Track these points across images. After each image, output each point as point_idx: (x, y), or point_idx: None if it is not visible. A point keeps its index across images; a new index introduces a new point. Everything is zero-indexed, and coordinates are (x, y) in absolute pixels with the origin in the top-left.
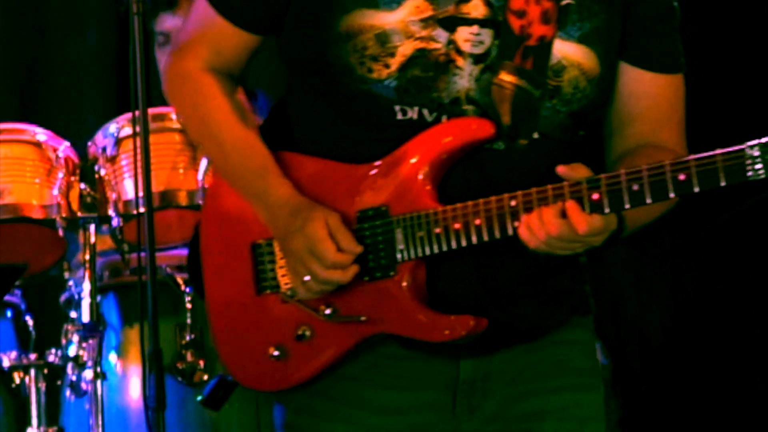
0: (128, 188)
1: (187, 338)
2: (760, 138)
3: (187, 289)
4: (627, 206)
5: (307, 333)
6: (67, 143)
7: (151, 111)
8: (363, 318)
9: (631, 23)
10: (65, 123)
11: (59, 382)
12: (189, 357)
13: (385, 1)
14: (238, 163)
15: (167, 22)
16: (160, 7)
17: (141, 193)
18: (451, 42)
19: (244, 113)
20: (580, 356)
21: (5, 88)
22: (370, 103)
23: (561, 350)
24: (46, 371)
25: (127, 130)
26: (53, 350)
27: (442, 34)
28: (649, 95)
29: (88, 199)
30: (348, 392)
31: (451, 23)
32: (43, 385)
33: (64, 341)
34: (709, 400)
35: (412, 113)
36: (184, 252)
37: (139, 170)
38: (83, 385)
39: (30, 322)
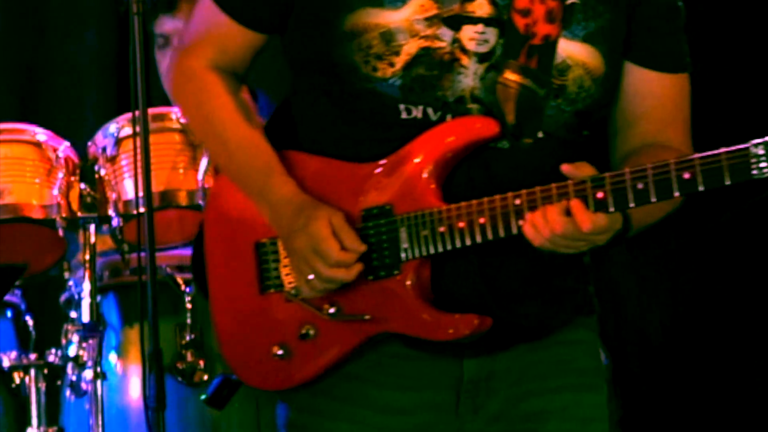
0: (128, 188)
1: (187, 338)
2: (764, 137)
3: (187, 289)
4: (632, 205)
5: (311, 332)
6: (67, 143)
7: (151, 111)
8: (367, 317)
9: (636, 23)
10: (65, 123)
11: (59, 382)
12: (189, 357)
13: None
14: (242, 162)
15: (167, 24)
16: (160, 9)
17: (141, 193)
18: (455, 41)
19: (248, 112)
20: (584, 356)
21: (5, 88)
22: (375, 101)
23: (564, 350)
24: (46, 371)
25: (127, 130)
26: (53, 350)
27: (446, 33)
28: (655, 95)
29: (88, 199)
30: (352, 391)
31: (456, 22)
32: (43, 385)
33: (64, 341)
34: (709, 400)
35: (417, 112)
36: (184, 252)
37: (139, 170)
38: (83, 385)
39: (30, 322)
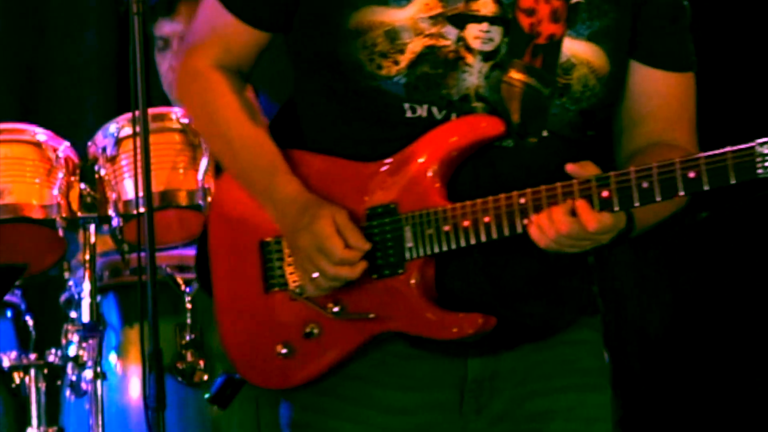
0: (128, 188)
1: (187, 338)
2: None
3: (187, 289)
4: (636, 204)
5: (315, 331)
6: (67, 143)
7: (151, 111)
8: (371, 315)
9: (641, 22)
10: (65, 123)
11: (59, 382)
12: (189, 357)
13: None
14: (247, 161)
15: (166, 27)
16: (159, 12)
17: (141, 193)
18: (460, 39)
19: (253, 111)
20: (588, 356)
21: (5, 88)
22: (379, 100)
23: (569, 350)
24: (46, 371)
25: (127, 130)
26: (53, 350)
27: (451, 31)
28: (660, 94)
29: (88, 199)
30: (355, 391)
31: (460, 20)
32: (43, 385)
33: (64, 341)
34: (710, 400)
35: (422, 111)
36: (184, 252)
37: (139, 170)
38: (83, 385)
39: (30, 322)
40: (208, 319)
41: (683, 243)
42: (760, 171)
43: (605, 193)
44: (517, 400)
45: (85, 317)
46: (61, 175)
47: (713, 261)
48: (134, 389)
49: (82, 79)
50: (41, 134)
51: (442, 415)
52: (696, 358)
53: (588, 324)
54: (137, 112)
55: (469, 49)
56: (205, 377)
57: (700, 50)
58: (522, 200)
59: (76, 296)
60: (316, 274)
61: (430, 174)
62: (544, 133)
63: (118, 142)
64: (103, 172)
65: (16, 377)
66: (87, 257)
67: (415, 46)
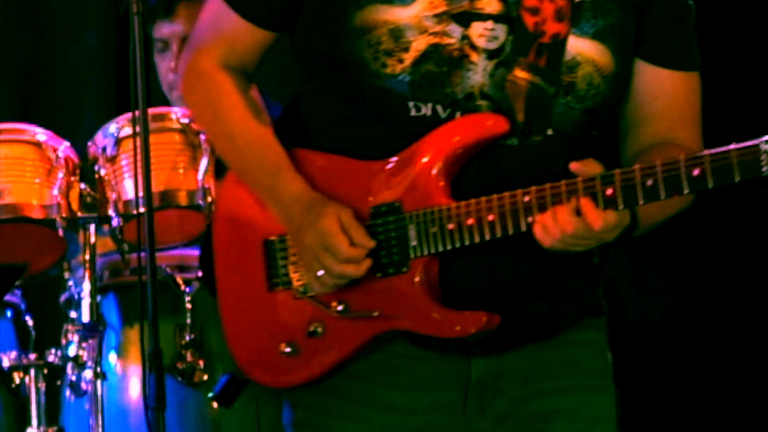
0: (128, 188)
1: (187, 338)
2: None
3: (187, 289)
4: (641, 202)
5: (319, 330)
6: (67, 143)
7: (151, 111)
8: (375, 314)
9: (646, 21)
10: (65, 123)
11: (59, 382)
12: (189, 357)
13: None
14: (252, 160)
15: (165, 28)
16: (158, 14)
17: (141, 193)
18: (465, 37)
19: (258, 110)
20: (592, 357)
21: (5, 88)
22: (384, 99)
23: (572, 351)
24: (46, 371)
25: (127, 130)
26: (53, 350)
27: (456, 30)
28: (666, 93)
29: (88, 199)
30: (359, 391)
31: (465, 18)
32: (43, 385)
33: (64, 341)
34: (710, 400)
35: (426, 109)
36: (184, 252)
37: (139, 170)
38: (83, 385)
39: (30, 322)
40: (208, 319)
41: (682, 243)
42: (765, 169)
43: (609, 191)
44: (521, 400)
45: (85, 317)
46: (61, 175)
47: (713, 261)
48: (134, 389)
49: (82, 79)
50: (41, 134)
51: (445, 416)
52: (696, 357)
53: (592, 325)
54: (137, 112)
55: (474, 48)
56: (205, 377)
57: (704, 50)
58: (526, 198)
59: (76, 296)
60: (321, 272)
61: (434, 172)
62: (549, 132)
63: (118, 142)
64: (103, 172)
65: (16, 377)
66: (87, 257)
67: (419, 44)
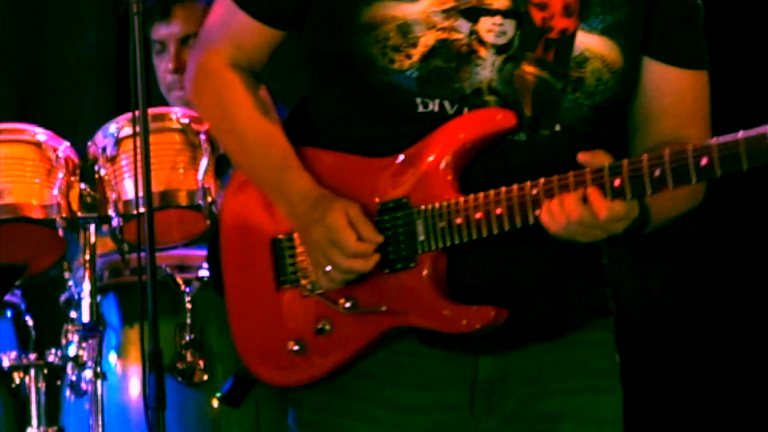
0: (128, 188)
1: (187, 338)
2: None
3: (187, 289)
4: (649, 192)
5: (327, 327)
6: (67, 143)
7: (151, 111)
8: (383, 308)
9: (654, 19)
10: (65, 123)
11: (59, 382)
12: (189, 357)
13: None
14: (259, 158)
15: (161, 30)
16: (155, 16)
17: (141, 193)
18: (473, 32)
19: (266, 108)
20: (600, 358)
21: (5, 88)
22: (391, 95)
23: (580, 351)
24: (46, 371)
25: (127, 130)
26: (53, 350)
27: (464, 25)
28: (675, 90)
29: (88, 199)
30: (366, 390)
31: (473, 14)
32: (43, 385)
33: (64, 341)
34: (710, 400)
35: (434, 105)
36: (184, 252)
37: (139, 170)
38: (83, 385)
39: (30, 322)
40: (208, 319)
41: (683, 241)
42: None
43: (617, 182)
44: (529, 400)
45: (85, 317)
46: (61, 175)
47: (713, 261)
48: (134, 389)
49: (82, 79)
50: (41, 134)
51: (453, 415)
52: (696, 357)
53: (600, 325)
54: (137, 112)
55: (482, 43)
56: (205, 377)
57: (714, 51)
58: (534, 191)
59: (76, 296)
60: (329, 268)
61: (442, 167)
62: (557, 128)
63: (118, 142)
64: (103, 172)
65: (16, 377)
66: (87, 257)
67: (427, 39)
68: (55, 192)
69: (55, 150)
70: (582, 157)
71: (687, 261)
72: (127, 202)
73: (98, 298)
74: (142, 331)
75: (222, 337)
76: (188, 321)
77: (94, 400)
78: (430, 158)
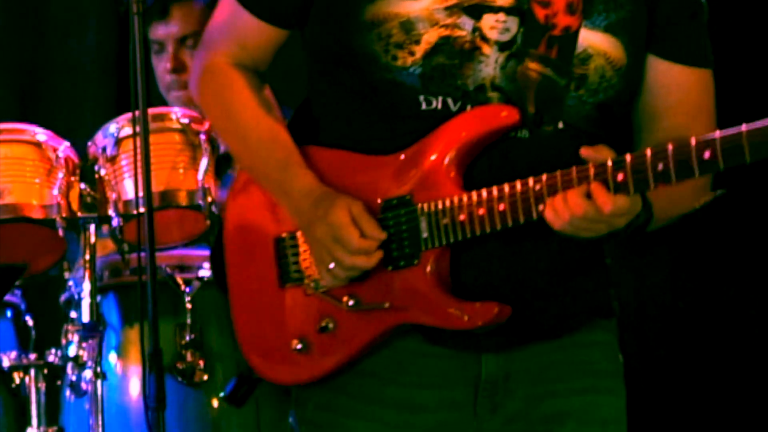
0: (128, 188)
1: (187, 338)
2: None
3: (187, 289)
4: (652, 186)
5: (330, 325)
6: (67, 143)
7: (151, 111)
8: (386, 305)
9: (658, 16)
10: (65, 123)
11: (59, 382)
12: (189, 357)
13: None
14: (263, 156)
15: (160, 30)
16: (153, 16)
17: (141, 193)
18: (476, 29)
19: (270, 107)
20: (603, 359)
21: (5, 88)
22: (394, 93)
23: (584, 352)
24: (46, 371)
25: (127, 130)
26: (53, 350)
27: (467, 22)
28: (680, 88)
29: (88, 199)
30: (370, 389)
31: (476, 11)
32: (43, 385)
33: (64, 341)
34: (710, 400)
35: (437, 103)
36: (184, 252)
37: (139, 170)
38: (83, 385)
39: (30, 322)
40: (208, 319)
41: (682, 240)
42: None
43: (620, 176)
44: (532, 400)
45: (85, 317)
46: (61, 175)
47: (712, 261)
48: (134, 389)
49: (82, 79)
50: (41, 134)
51: (456, 414)
52: (696, 357)
53: (603, 326)
54: (137, 112)
55: (485, 39)
56: (205, 377)
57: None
58: (537, 186)
59: (76, 296)
60: (332, 265)
61: (446, 163)
62: (560, 125)
63: (118, 142)
64: (103, 172)
65: (16, 377)
66: (87, 257)
67: (430, 36)
68: (55, 192)
69: (55, 150)
70: (585, 152)
71: (686, 261)
72: (127, 202)
73: (98, 298)
74: (142, 331)
75: (222, 337)
76: (188, 321)
77: (94, 400)
78: (434, 155)
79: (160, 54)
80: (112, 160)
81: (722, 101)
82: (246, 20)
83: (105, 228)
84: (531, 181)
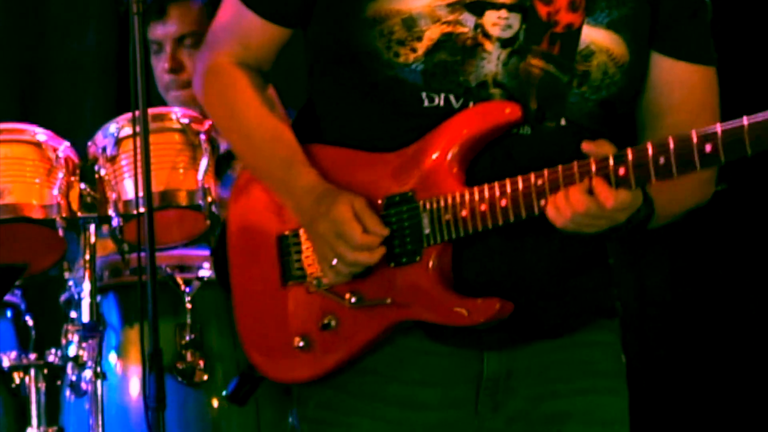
0: (128, 188)
1: (187, 338)
2: None
3: (187, 289)
4: (653, 179)
5: (333, 322)
6: (67, 143)
7: (151, 111)
8: (388, 300)
9: (661, 13)
10: (65, 123)
11: (59, 382)
12: (189, 357)
13: None
14: (266, 154)
15: (158, 30)
16: (150, 16)
17: (141, 193)
18: (478, 26)
19: (273, 106)
20: (606, 359)
21: (5, 88)
22: (397, 90)
23: (586, 352)
24: (46, 371)
25: (127, 130)
26: (53, 350)
27: (469, 19)
28: (683, 85)
29: (88, 199)
30: (372, 386)
31: (478, 8)
32: (43, 385)
33: (64, 341)
34: (710, 400)
35: (439, 100)
36: (184, 252)
37: (139, 170)
38: (83, 385)
39: (30, 322)
40: (208, 319)
41: (682, 238)
42: None
43: (622, 170)
44: (534, 400)
45: (85, 317)
46: (61, 175)
47: (712, 261)
48: (134, 389)
49: (82, 79)
50: (41, 134)
51: (458, 412)
52: (696, 357)
53: (606, 326)
54: (137, 112)
55: (488, 36)
56: (205, 377)
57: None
58: (539, 182)
59: (76, 296)
60: (335, 261)
61: (448, 159)
62: (563, 122)
63: (118, 142)
64: (103, 172)
65: (16, 377)
66: (87, 257)
67: (432, 33)
68: (55, 192)
69: (55, 150)
70: (586, 146)
71: (686, 260)
72: (127, 202)
73: (98, 298)
74: (142, 331)
75: (222, 337)
76: (188, 321)
77: (94, 400)
78: (436, 152)
79: (158, 54)
80: (112, 160)
81: (727, 99)
82: (249, 20)
83: (105, 228)
84: (533, 176)
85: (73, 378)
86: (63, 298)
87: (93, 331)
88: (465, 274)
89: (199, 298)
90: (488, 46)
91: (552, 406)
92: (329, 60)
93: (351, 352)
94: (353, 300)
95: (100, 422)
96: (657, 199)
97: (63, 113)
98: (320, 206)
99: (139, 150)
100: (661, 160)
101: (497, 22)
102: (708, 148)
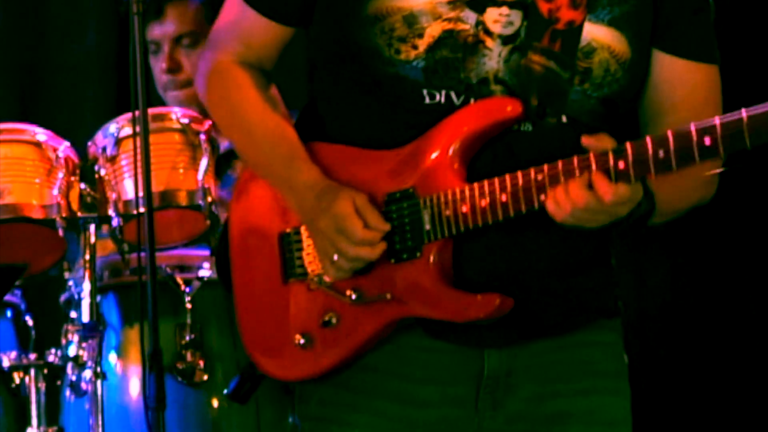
0: (128, 188)
1: (187, 338)
2: None
3: (187, 289)
4: (653, 173)
5: (333, 319)
6: (67, 143)
7: (151, 111)
8: (388, 296)
9: (663, 11)
10: (65, 123)
11: (59, 382)
12: (189, 357)
13: None
14: (267, 151)
15: (156, 30)
16: (148, 17)
17: (141, 193)
18: (479, 23)
19: (275, 104)
20: (607, 359)
21: (5, 88)
22: (398, 87)
23: (587, 351)
24: (46, 371)
25: (127, 130)
26: (53, 350)
27: (470, 16)
28: (686, 83)
29: (88, 199)
30: (373, 384)
31: (479, 5)
32: (43, 385)
33: (64, 341)
34: (710, 400)
35: (440, 97)
36: (184, 252)
37: (139, 170)
38: (83, 385)
39: (30, 322)
40: (208, 319)
41: (681, 238)
42: None
43: (622, 164)
44: (535, 400)
45: (85, 317)
46: (61, 175)
47: (714, 261)
48: (134, 389)
49: (82, 79)
50: (41, 134)
51: (458, 410)
52: (696, 357)
53: (608, 326)
54: (137, 112)
55: (489, 33)
56: (205, 377)
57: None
58: (539, 176)
59: (76, 296)
60: (336, 257)
61: (449, 156)
62: (564, 119)
63: (118, 142)
64: (103, 172)
65: (16, 377)
66: (87, 257)
67: (433, 30)
68: (55, 192)
69: (55, 150)
70: (586, 140)
71: (686, 260)
72: (127, 202)
73: (98, 298)
74: (142, 331)
75: (222, 337)
76: (188, 321)
77: (94, 400)
78: (437, 149)
79: (156, 54)
80: (112, 160)
81: (729, 97)
82: (252, 19)
83: (105, 228)
84: (533, 171)
85: (73, 378)
86: (63, 298)
87: (93, 331)
88: (465, 270)
89: (199, 298)
90: (489, 43)
91: (553, 405)
92: (331, 58)
93: (352, 348)
94: (354, 296)
95: (100, 422)
96: (658, 194)
97: (63, 113)
98: (321, 202)
99: (139, 150)
100: (661, 153)
101: (498, 18)
102: (707, 141)
